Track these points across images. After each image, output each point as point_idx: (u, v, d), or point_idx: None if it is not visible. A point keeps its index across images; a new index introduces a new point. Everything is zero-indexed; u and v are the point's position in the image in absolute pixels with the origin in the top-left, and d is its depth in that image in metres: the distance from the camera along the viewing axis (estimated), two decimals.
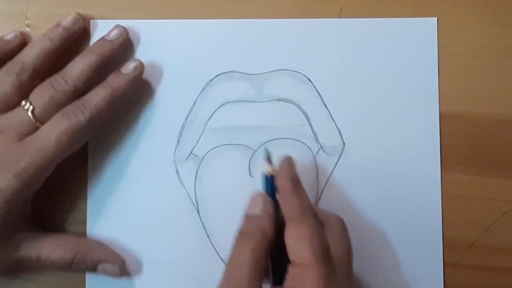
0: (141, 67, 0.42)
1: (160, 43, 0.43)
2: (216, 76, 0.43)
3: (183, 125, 0.43)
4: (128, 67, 0.42)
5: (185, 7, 0.44)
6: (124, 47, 0.42)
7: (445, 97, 0.43)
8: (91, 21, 0.43)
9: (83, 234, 0.43)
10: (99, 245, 0.42)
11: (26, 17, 0.44)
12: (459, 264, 0.42)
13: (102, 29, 0.43)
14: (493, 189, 0.42)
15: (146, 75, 0.43)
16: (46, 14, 0.44)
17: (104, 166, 0.43)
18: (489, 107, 0.43)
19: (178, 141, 0.43)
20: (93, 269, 0.41)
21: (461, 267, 0.42)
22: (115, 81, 0.41)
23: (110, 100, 0.40)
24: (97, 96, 0.40)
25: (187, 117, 0.43)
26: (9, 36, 0.42)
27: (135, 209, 0.43)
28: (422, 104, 0.43)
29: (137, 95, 0.43)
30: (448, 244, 0.42)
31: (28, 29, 0.44)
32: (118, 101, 0.41)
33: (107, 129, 0.43)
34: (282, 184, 0.37)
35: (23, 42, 0.43)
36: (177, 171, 0.43)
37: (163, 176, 0.43)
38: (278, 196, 0.37)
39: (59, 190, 0.43)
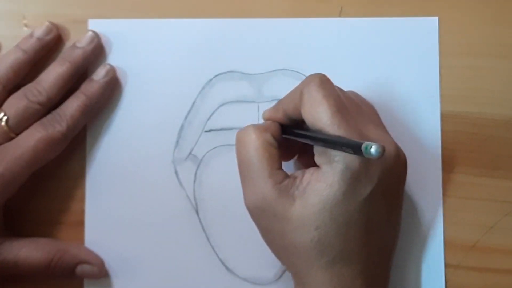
0: (112, 71, 0.42)
1: (159, 43, 0.43)
2: (215, 76, 0.43)
3: (182, 126, 0.43)
4: (100, 73, 0.42)
5: (185, 6, 0.43)
6: (96, 54, 0.42)
7: (446, 97, 0.43)
8: (90, 20, 0.43)
9: (81, 235, 0.42)
10: (76, 246, 0.42)
11: (23, 17, 0.43)
12: (461, 265, 0.42)
13: (101, 29, 0.43)
14: (494, 190, 0.42)
15: (145, 74, 0.43)
16: (44, 14, 0.43)
17: (102, 167, 0.43)
18: (491, 107, 0.43)
19: (177, 141, 0.43)
20: (71, 272, 0.41)
21: (462, 268, 0.42)
22: (89, 89, 0.41)
23: (85, 109, 0.41)
24: (72, 107, 0.41)
25: (186, 118, 0.43)
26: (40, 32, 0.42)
27: (133, 210, 0.42)
28: (423, 104, 0.42)
29: (136, 95, 0.43)
30: (449, 245, 0.42)
31: (25, 29, 0.43)
32: (94, 108, 0.42)
33: (105, 130, 0.43)
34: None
35: (56, 37, 0.43)
36: (176, 172, 0.43)
37: (161, 177, 0.43)
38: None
39: (57, 191, 0.43)
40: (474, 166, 0.42)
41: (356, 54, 0.43)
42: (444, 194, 0.42)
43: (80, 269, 0.41)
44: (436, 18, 0.43)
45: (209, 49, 0.43)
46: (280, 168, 0.37)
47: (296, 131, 0.37)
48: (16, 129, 0.40)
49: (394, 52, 0.43)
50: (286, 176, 0.36)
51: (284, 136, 0.38)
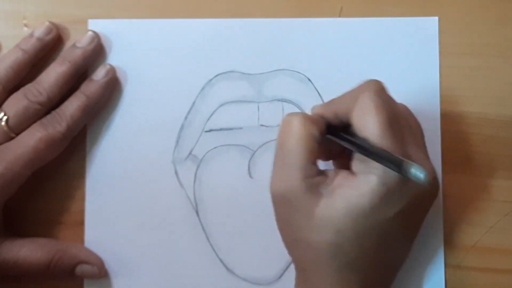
0: (112, 71, 0.42)
1: (159, 43, 0.43)
2: (215, 76, 0.43)
3: (182, 126, 0.43)
4: (100, 73, 0.42)
5: (184, 7, 0.43)
6: (96, 54, 0.42)
7: (446, 97, 0.43)
8: (90, 20, 0.43)
9: (80, 235, 0.42)
10: (76, 246, 0.42)
11: (23, 17, 0.43)
12: (461, 265, 0.42)
13: (101, 29, 0.43)
14: (494, 190, 0.42)
15: (145, 74, 0.43)
16: (44, 14, 0.43)
17: (103, 167, 0.43)
18: (490, 107, 0.42)
19: (177, 141, 0.43)
20: (71, 272, 0.41)
21: (462, 268, 0.42)
22: (89, 89, 0.41)
23: (85, 109, 0.41)
24: (72, 107, 0.41)
25: (186, 118, 0.43)
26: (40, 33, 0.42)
27: (133, 211, 0.42)
28: (423, 104, 0.42)
29: (136, 95, 0.43)
30: (449, 245, 0.42)
31: (25, 29, 0.43)
32: (94, 108, 0.42)
33: (105, 130, 0.43)
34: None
35: (56, 37, 0.43)
36: (176, 172, 0.43)
37: (161, 177, 0.43)
38: None
39: (57, 191, 0.43)
40: (474, 166, 0.42)
41: (356, 54, 0.43)
42: (444, 194, 0.42)
43: (80, 269, 0.41)
44: (436, 18, 0.43)
45: (209, 49, 0.43)
46: (315, 163, 0.36)
47: (342, 134, 0.36)
48: (16, 129, 0.40)
49: (394, 52, 0.43)
50: (319, 172, 0.36)
51: (327, 136, 0.38)
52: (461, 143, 0.42)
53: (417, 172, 0.30)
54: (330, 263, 0.35)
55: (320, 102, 0.42)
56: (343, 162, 0.37)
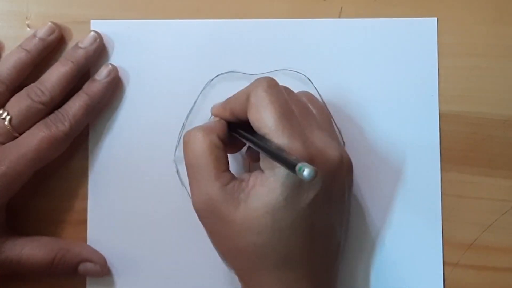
0: (114, 71, 0.42)
1: (161, 43, 0.43)
2: (216, 76, 0.43)
3: (183, 125, 0.43)
4: (102, 73, 0.42)
5: (185, 7, 0.44)
6: (98, 54, 0.43)
7: (445, 97, 0.43)
8: (92, 21, 0.43)
9: (83, 234, 0.43)
10: (79, 244, 0.42)
11: (26, 17, 0.44)
12: (459, 263, 0.42)
13: (103, 29, 0.43)
14: (492, 189, 0.42)
15: (147, 75, 0.43)
16: (46, 14, 0.44)
17: (105, 166, 0.43)
18: (489, 107, 0.43)
19: (179, 141, 0.43)
20: (74, 270, 0.41)
21: (460, 266, 0.42)
22: (91, 89, 0.42)
23: (88, 109, 0.41)
24: (75, 106, 0.41)
25: (187, 117, 0.43)
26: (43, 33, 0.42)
27: (135, 209, 0.43)
28: (422, 104, 0.43)
29: (138, 95, 0.43)
30: (447, 244, 0.42)
31: (28, 29, 0.44)
32: (96, 108, 0.42)
33: (107, 129, 0.43)
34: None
35: (59, 37, 0.43)
36: (177, 171, 0.43)
37: (163, 176, 0.43)
38: None
39: (59, 190, 0.43)
40: (472, 165, 0.43)
41: (356, 55, 0.43)
42: (442, 193, 0.42)
43: (82, 267, 0.41)
44: (435, 18, 0.43)
45: (210, 49, 0.43)
46: (226, 170, 0.37)
47: (242, 132, 0.37)
48: (19, 128, 0.40)
49: (393, 53, 0.43)
50: (233, 178, 0.36)
51: (231, 132, 0.38)
52: (459, 142, 0.43)
53: (303, 171, 0.30)
54: (262, 265, 0.35)
55: (320, 102, 0.43)
56: (254, 153, 0.37)
